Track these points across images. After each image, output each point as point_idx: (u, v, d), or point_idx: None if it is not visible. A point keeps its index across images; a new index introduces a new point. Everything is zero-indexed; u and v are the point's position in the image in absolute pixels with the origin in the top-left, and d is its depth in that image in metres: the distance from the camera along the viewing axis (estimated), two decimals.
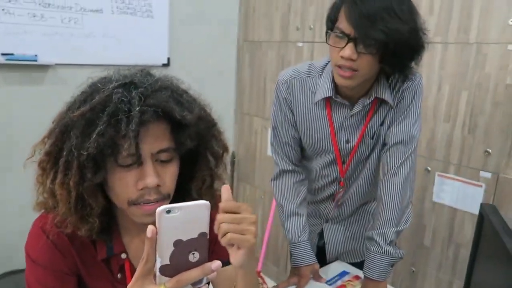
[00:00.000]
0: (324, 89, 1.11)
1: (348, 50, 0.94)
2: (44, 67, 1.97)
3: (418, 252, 1.77)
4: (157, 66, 2.30)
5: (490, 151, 1.50)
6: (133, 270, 0.79)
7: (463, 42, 1.53)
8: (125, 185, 0.68)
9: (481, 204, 0.99)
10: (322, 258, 1.33)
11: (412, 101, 1.10)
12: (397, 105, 1.10)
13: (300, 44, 2.22)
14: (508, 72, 1.43)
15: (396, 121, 1.11)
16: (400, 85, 1.09)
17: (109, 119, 0.63)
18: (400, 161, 1.11)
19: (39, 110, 1.98)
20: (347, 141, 1.16)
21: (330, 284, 1.21)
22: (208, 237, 0.59)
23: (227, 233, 0.64)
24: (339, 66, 0.98)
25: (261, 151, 2.60)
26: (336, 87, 1.10)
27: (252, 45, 2.56)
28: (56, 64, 1.99)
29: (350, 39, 0.94)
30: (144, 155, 0.67)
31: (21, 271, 1.88)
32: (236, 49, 2.67)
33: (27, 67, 1.92)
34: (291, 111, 1.19)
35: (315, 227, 1.34)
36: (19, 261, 1.79)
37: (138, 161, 0.66)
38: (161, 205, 0.56)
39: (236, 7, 2.60)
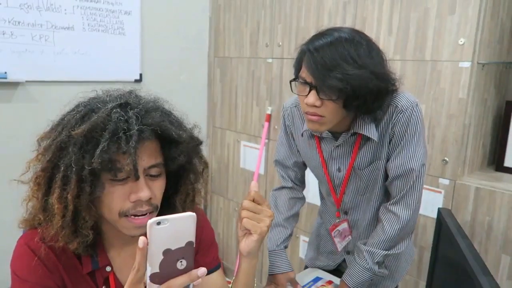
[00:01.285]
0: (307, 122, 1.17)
1: (311, 98, 0.98)
2: (14, 84, 1.96)
3: None
4: (129, 82, 2.32)
5: (447, 159, 1.63)
6: (117, 282, 0.83)
7: (419, 59, 1.66)
8: (118, 198, 0.73)
9: (439, 209, 1.09)
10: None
11: (405, 134, 1.07)
12: (391, 140, 1.09)
13: (269, 60, 2.31)
14: (460, 87, 1.56)
15: (392, 156, 1.11)
16: (389, 118, 1.07)
17: (111, 136, 0.68)
18: (402, 193, 1.12)
19: (9, 127, 1.96)
20: (339, 170, 1.18)
21: None
22: (194, 245, 0.63)
23: (244, 218, 0.75)
24: (308, 114, 1.02)
25: (233, 164, 2.65)
26: None
27: (222, 61, 2.63)
28: (26, 81, 1.98)
29: (312, 87, 0.98)
30: (139, 170, 0.72)
31: None
32: (207, 65, 2.73)
33: None
34: (293, 138, 1.27)
35: (336, 256, 1.37)
36: None
37: (135, 176, 0.71)
38: (151, 217, 0.61)
39: (206, 24, 2.67)
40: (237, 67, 2.53)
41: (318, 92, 0.97)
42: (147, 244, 0.59)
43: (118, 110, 0.72)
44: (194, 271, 0.64)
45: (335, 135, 1.14)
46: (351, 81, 0.92)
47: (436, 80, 1.62)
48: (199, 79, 2.72)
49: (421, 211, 1.72)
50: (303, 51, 1.00)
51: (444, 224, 1.02)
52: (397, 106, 1.06)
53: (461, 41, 1.54)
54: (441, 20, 1.59)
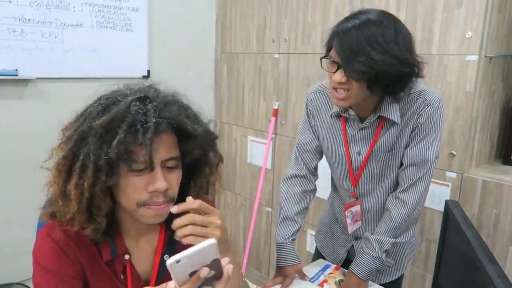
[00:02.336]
0: (337, 106, 1.20)
1: (338, 75, 1.04)
2: (25, 81, 1.99)
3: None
4: (137, 78, 2.35)
5: (454, 153, 1.63)
6: (133, 270, 0.86)
7: (427, 53, 1.66)
8: (135, 188, 0.75)
9: (446, 201, 1.10)
10: None
11: (429, 126, 1.13)
12: (414, 129, 1.15)
13: (276, 55, 2.32)
14: (467, 81, 1.57)
15: (412, 143, 1.16)
16: (416, 109, 1.13)
17: (129, 128, 0.71)
18: (412, 180, 1.17)
19: (20, 124, 2.00)
20: (359, 153, 1.23)
21: (313, 281, 1.29)
22: (219, 258, 0.64)
23: (191, 235, 0.72)
24: (335, 89, 1.08)
25: (241, 159, 2.67)
26: None
27: (229, 56, 2.64)
28: (37, 78, 2.01)
29: (339, 65, 1.04)
30: (156, 162, 0.74)
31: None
32: (214, 61, 2.75)
33: (8, 82, 1.93)
34: (315, 121, 1.30)
35: (345, 242, 1.40)
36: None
37: (150, 167, 0.73)
38: (168, 206, 0.67)
39: (213, 19, 2.69)
40: (244, 63, 2.54)
41: (344, 71, 1.03)
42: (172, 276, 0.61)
43: (137, 103, 0.74)
44: (225, 275, 0.65)
45: (361, 118, 1.19)
46: (374, 65, 0.97)
47: (443, 74, 1.63)
48: (206, 75, 2.74)
49: (428, 204, 1.73)
50: (333, 33, 1.06)
51: (451, 215, 1.03)
52: (425, 99, 1.12)
53: (468, 35, 1.54)
54: (448, 14, 1.59)
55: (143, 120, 0.72)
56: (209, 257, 0.62)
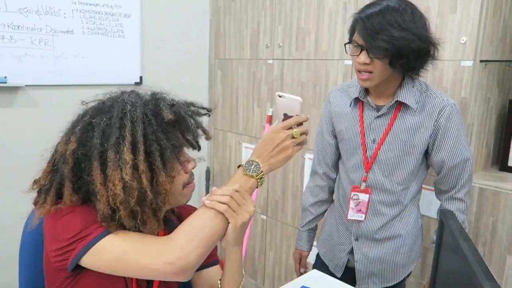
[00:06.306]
0: (357, 92, 1.31)
1: (362, 57, 1.16)
2: (14, 89, 1.96)
3: None
4: (129, 85, 2.31)
5: None
6: None
7: None
8: (182, 172, 0.87)
9: (441, 210, 1.07)
10: (351, 279, 1.41)
11: (456, 127, 1.23)
12: (438, 130, 1.23)
13: (270, 61, 2.30)
14: (462, 86, 1.54)
15: (445, 147, 1.25)
16: (435, 106, 1.22)
17: (189, 115, 0.85)
18: (461, 181, 1.28)
19: (10, 132, 1.96)
20: (373, 141, 1.30)
21: None
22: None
23: (224, 204, 0.80)
24: (359, 71, 1.20)
25: (235, 166, 2.64)
26: (366, 92, 1.30)
27: (223, 62, 2.62)
28: (26, 86, 1.98)
29: (362, 48, 1.15)
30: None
31: None
32: (208, 67, 2.72)
33: None
34: (331, 118, 1.41)
35: (344, 246, 1.42)
36: None
37: (199, 147, 0.91)
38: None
39: (206, 26, 2.67)
40: (237, 69, 2.52)
41: (368, 53, 1.14)
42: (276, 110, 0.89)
43: (165, 96, 0.87)
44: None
45: (378, 108, 1.28)
46: (395, 42, 1.09)
47: (438, 80, 1.60)
48: (200, 81, 2.71)
49: (424, 212, 1.70)
50: (356, 19, 1.18)
51: (446, 226, 1.00)
52: (443, 99, 1.23)
53: (463, 40, 1.52)
54: (442, 19, 1.57)
55: (186, 109, 0.85)
56: (295, 110, 0.86)
